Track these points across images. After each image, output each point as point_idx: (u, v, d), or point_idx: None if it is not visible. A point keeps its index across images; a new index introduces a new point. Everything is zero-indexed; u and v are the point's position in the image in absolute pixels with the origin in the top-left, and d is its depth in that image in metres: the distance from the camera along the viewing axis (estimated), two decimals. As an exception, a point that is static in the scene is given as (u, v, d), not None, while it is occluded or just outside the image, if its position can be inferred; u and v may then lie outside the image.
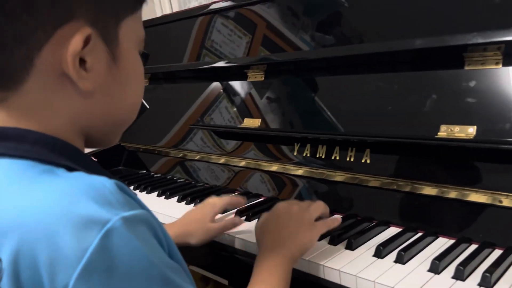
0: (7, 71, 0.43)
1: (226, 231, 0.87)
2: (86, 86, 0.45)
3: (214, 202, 0.88)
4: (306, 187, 1.01)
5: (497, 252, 0.71)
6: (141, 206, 0.44)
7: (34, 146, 0.44)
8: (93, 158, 0.53)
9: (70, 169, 0.44)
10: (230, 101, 1.22)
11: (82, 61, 0.44)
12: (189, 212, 0.89)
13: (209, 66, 1.25)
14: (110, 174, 0.48)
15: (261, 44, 1.16)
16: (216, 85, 1.29)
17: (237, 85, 1.22)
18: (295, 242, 0.68)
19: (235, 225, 0.87)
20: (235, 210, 0.95)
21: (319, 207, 0.76)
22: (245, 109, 1.17)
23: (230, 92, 1.23)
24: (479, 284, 0.63)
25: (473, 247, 0.74)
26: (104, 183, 0.41)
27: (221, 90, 1.26)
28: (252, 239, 0.77)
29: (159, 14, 2.09)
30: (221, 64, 1.21)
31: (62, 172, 0.44)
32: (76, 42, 0.43)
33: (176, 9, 2.16)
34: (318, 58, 1.00)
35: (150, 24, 1.49)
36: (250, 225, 0.90)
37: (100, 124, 0.50)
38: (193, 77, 1.38)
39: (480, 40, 0.73)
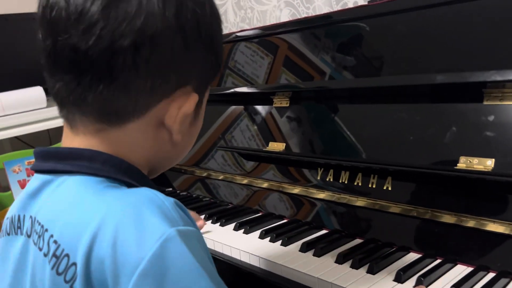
0: (124, 112, 0.50)
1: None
2: (177, 139, 0.54)
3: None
4: (327, 210, 1.05)
5: (514, 281, 0.74)
6: (194, 225, 0.50)
7: (104, 166, 0.50)
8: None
9: (132, 186, 0.51)
10: (255, 124, 1.28)
11: None
12: None
13: (234, 91, 1.31)
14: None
15: (283, 65, 1.21)
16: (241, 108, 1.35)
17: (262, 109, 1.27)
18: None
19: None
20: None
21: None
22: (270, 133, 1.22)
23: (255, 116, 1.29)
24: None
25: (491, 275, 0.77)
26: (163, 200, 0.47)
27: (246, 114, 1.32)
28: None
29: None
30: (246, 89, 1.26)
31: (126, 188, 0.50)
32: (190, 106, 0.53)
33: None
34: (343, 88, 1.04)
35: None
36: (275, 246, 0.95)
37: (164, 163, 0.59)
38: (218, 100, 1.44)
39: (499, 78, 0.77)
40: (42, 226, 0.49)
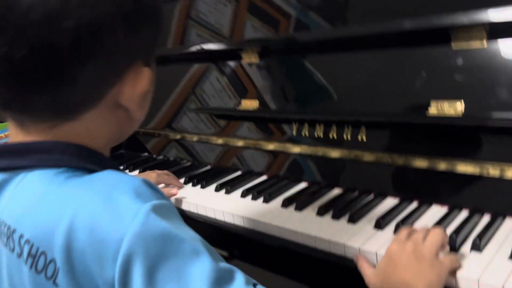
0: (75, 107, 0.48)
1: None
2: (138, 115, 0.53)
3: (159, 173, 1.11)
4: (305, 163, 1.06)
5: (486, 218, 0.78)
6: (166, 198, 0.50)
7: (63, 155, 0.49)
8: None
9: (95, 171, 0.49)
10: (226, 82, 1.25)
11: None
12: None
13: (200, 48, 1.27)
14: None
15: (249, 11, 1.16)
16: (209, 65, 1.31)
17: (231, 65, 1.24)
18: (422, 284, 0.59)
19: (172, 195, 1.07)
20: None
21: (438, 235, 0.64)
22: (242, 90, 1.20)
23: (225, 73, 1.26)
24: (472, 249, 0.70)
25: (464, 213, 0.81)
26: (132, 179, 0.47)
27: (215, 71, 1.29)
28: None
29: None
30: (212, 46, 1.23)
31: (90, 174, 0.49)
32: (145, 82, 0.51)
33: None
34: (311, 40, 1.03)
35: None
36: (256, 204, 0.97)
37: (124, 136, 0.57)
38: (184, 59, 1.40)
39: (466, 21, 0.77)
40: (9, 227, 0.48)
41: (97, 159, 0.51)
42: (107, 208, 0.43)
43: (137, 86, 0.50)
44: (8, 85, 0.45)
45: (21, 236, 0.46)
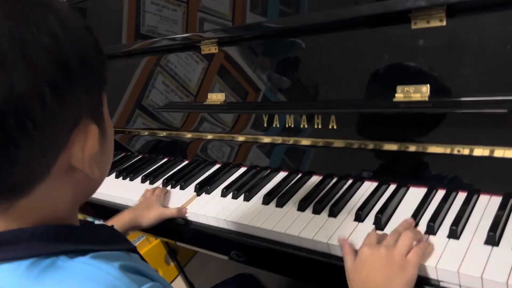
0: (22, 184, 0.44)
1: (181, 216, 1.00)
2: (95, 173, 0.48)
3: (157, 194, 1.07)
4: (280, 153, 1.06)
5: (461, 195, 0.80)
6: (150, 276, 0.48)
7: (30, 243, 0.45)
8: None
9: (71, 252, 0.47)
10: (189, 75, 1.22)
11: None
12: (137, 203, 1.05)
13: (158, 45, 1.22)
14: (111, 234, 0.53)
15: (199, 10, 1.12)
16: (170, 57, 1.27)
17: (192, 58, 1.20)
18: (393, 286, 0.63)
19: (184, 213, 1.01)
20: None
21: (407, 238, 0.68)
22: (206, 83, 1.17)
23: (186, 66, 1.22)
24: (448, 236, 0.71)
25: (441, 193, 0.82)
26: (108, 272, 0.45)
27: (176, 65, 1.25)
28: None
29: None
30: (166, 42, 1.18)
31: (64, 261, 0.46)
32: (93, 145, 0.46)
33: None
34: (270, 28, 0.99)
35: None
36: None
37: (91, 193, 0.54)
38: (139, 52, 1.34)
39: (423, 4, 0.74)
40: None
41: (69, 236, 0.48)
42: None
43: (85, 148, 0.46)
44: None
45: None
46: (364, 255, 0.68)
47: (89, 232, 0.53)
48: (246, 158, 1.12)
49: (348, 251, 0.72)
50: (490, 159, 0.76)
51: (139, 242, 1.76)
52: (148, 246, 1.76)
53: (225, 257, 0.95)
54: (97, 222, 0.83)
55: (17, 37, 0.39)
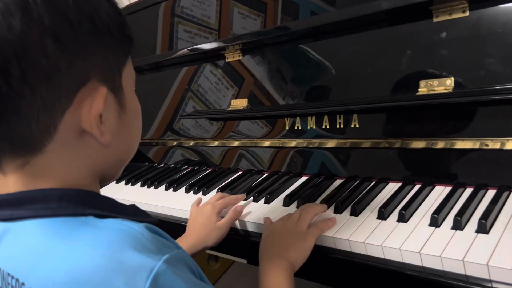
0: (31, 139, 0.45)
1: (235, 220, 0.91)
2: (106, 139, 0.49)
3: (211, 202, 0.93)
4: (302, 156, 1.04)
5: (491, 192, 0.76)
6: (175, 245, 0.48)
7: (61, 203, 0.47)
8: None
9: (98, 216, 0.48)
10: (213, 83, 1.23)
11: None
12: (192, 220, 0.92)
13: (179, 54, 1.24)
14: (134, 208, 0.53)
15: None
16: (196, 68, 1.29)
17: (217, 66, 1.22)
18: (292, 252, 0.74)
19: (240, 212, 0.92)
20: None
21: (308, 213, 0.81)
22: (231, 90, 1.18)
23: (211, 75, 1.24)
24: (477, 231, 0.67)
25: (469, 190, 0.78)
26: (139, 231, 0.45)
27: (203, 74, 1.27)
28: (261, 220, 0.87)
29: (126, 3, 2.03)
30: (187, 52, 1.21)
31: (93, 220, 0.47)
32: (98, 105, 0.47)
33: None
34: (292, 31, 1.00)
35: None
36: (258, 206, 0.95)
37: (113, 165, 0.54)
38: (171, 64, 1.38)
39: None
40: (17, 280, 0.47)
41: (96, 202, 0.49)
42: (119, 268, 0.42)
43: (92, 108, 0.47)
44: None
45: None
46: (274, 226, 0.81)
47: (115, 202, 0.53)
48: (272, 163, 1.12)
49: (266, 225, 0.84)
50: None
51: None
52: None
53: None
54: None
55: None
